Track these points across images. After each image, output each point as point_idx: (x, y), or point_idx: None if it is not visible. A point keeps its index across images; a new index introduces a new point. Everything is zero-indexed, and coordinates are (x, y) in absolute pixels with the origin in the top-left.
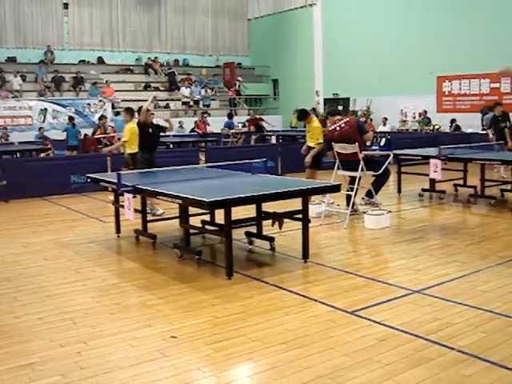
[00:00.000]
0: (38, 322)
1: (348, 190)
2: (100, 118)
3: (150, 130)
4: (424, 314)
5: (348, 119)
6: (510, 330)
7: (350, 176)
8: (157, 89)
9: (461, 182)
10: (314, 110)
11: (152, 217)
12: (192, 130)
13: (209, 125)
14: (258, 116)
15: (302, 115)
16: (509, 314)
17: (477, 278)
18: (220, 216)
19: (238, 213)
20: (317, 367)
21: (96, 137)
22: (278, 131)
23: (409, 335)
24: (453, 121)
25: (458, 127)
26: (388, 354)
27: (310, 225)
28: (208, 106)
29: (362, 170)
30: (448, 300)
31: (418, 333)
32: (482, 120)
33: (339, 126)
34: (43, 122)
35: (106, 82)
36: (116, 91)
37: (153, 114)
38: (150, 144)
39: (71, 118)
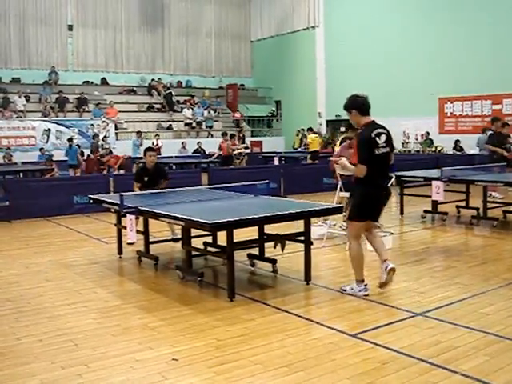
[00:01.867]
0: (38, 344)
1: None
2: (93, 138)
3: (146, 179)
4: (427, 336)
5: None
6: None
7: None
8: (159, 110)
9: (463, 203)
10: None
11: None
12: (199, 152)
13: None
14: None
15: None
16: None
17: (479, 301)
18: (222, 238)
19: (241, 235)
20: None
21: (104, 160)
22: (281, 153)
23: (411, 358)
24: (457, 142)
25: (461, 148)
26: (390, 378)
27: (312, 247)
28: (211, 127)
29: (341, 190)
30: (451, 323)
31: (420, 356)
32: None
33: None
34: (47, 142)
35: (110, 102)
36: (119, 112)
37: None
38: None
39: (70, 139)
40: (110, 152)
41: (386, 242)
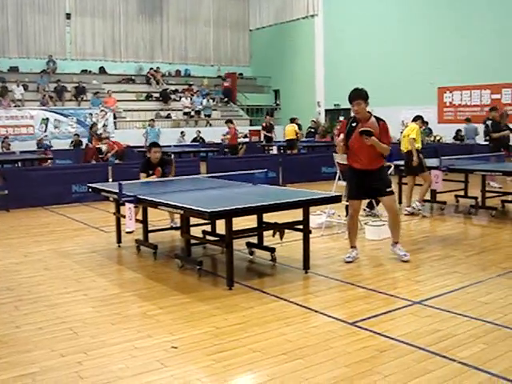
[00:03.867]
0: (38, 332)
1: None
2: (91, 127)
3: (150, 172)
4: (424, 325)
5: None
6: (510, 341)
7: None
8: (158, 99)
9: (462, 192)
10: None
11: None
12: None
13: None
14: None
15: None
16: (509, 326)
17: (477, 289)
18: (221, 226)
19: (239, 223)
20: (317, 378)
21: (98, 146)
22: (280, 142)
23: (409, 346)
24: (458, 131)
25: (462, 138)
26: (388, 365)
27: (310, 235)
28: (209, 116)
29: (340, 179)
30: (448, 311)
31: (418, 344)
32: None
33: None
34: (45, 131)
35: (108, 91)
36: (118, 101)
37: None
38: None
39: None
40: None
41: (384, 231)
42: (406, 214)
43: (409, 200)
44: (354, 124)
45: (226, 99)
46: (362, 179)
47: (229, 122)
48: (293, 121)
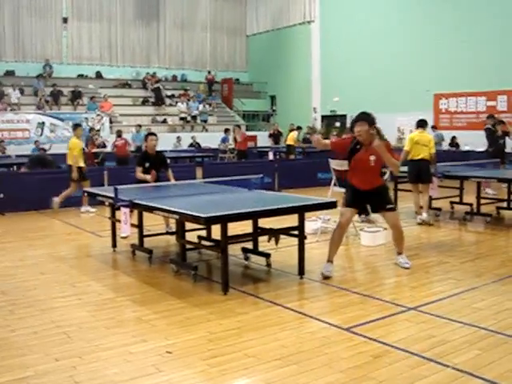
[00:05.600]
0: (33, 336)
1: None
2: (90, 131)
3: (147, 165)
4: (419, 331)
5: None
6: (504, 347)
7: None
8: (154, 104)
9: (457, 199)
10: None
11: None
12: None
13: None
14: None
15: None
16: (504, 332)
17: (472, 296)
18: (216, 231)
19: (235, 228)
20: None
21: (93, 151)
22: (276, 147)
23: (404, 352)
24: (453, 138)
25: (457, 145)
26: (383, 371)
27: (306, 241)
28: (206, 121)
29: (335, 184)
30: (443, 317)
31: (413, 350)
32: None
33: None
34: (41, 135)
35: (104, 96)
36: (114, 105)
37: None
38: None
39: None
40: (104, 145)
41: (379, 237)
42: (419, 223)
43: (419, 207)
44: (358, 146)
45: (208, 88)
46: (362, 196)
47: (237, 127)
48: (296, 129)
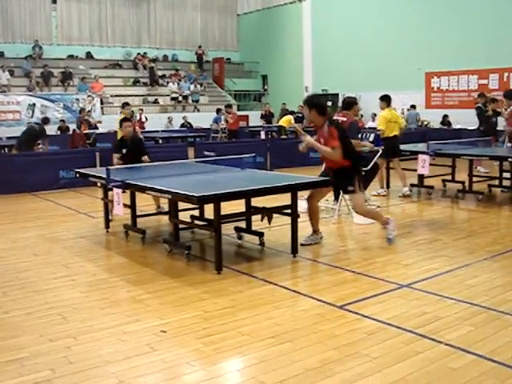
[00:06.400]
0: (26, 317)
1: None
2: (80, 112)
3: (124, 151)
4: (412, 308)
5: (345, 119)
6: (497, 323)
7: None
8: (145, 84)
9: (449, 177)
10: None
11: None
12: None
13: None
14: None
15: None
16: (496, 308)
17: (464, 273)
18: (209, 211)
19: (228, 208)
20: (306, 361)
21: (85, 132)
22: (268, 127)
23: (397, 329)
24: (445, 116)
25: (449, 123)
26: (376, 348)
27: (299, 220)
28: (197, 101)
29: None
30: (436, 294)
31: (406, 327)
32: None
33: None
34: (31, 117)
35: (95, 77)
36: (105, 86)
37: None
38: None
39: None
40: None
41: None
42: (400, 197)
43: (383, 181)
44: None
45: (198, 63)
46: (332, 175)
47: (229, 106)
48: (290, 113)
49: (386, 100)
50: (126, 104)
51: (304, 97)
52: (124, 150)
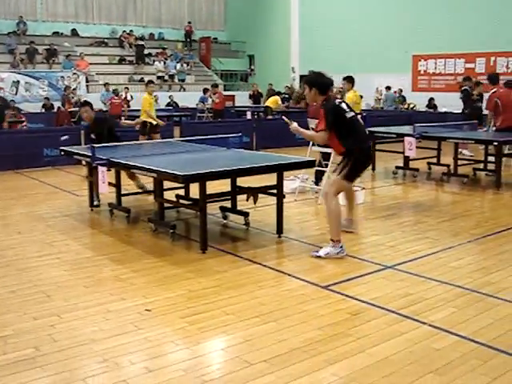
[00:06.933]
0: (11, 295)
1: (322, 166)
2: (65, 90)
3: (93, 136)
4: (396, 289)
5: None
6: (479, 305)
7: (322, 152)
8: (131, 62)
9: (434, 160)
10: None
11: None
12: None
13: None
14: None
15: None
16: (479, 290)
17: (448, 255)
18: (195, 190)
19: (213, 187)
20: (290, 340)
21: (70, 110)
22: (254, 107)
23: (381, 310)
24: (431, 99)
25: (435, 106)
26: (360, 328)
27: (284, 200)
28: (183, 80)
29: (314, 144)
30: (420, 276)
31: (390, 307)
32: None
33: None
34: (16, 94)
35: (80, 54)
36: (90, 64)
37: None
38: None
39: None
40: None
41: (357, 196)
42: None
43: None
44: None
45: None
46: None
47: (215, 86)
48: (277, 94)
49: (350, 81)
50: (149, 82)
51: (291, 78)
52: (93, 136)
